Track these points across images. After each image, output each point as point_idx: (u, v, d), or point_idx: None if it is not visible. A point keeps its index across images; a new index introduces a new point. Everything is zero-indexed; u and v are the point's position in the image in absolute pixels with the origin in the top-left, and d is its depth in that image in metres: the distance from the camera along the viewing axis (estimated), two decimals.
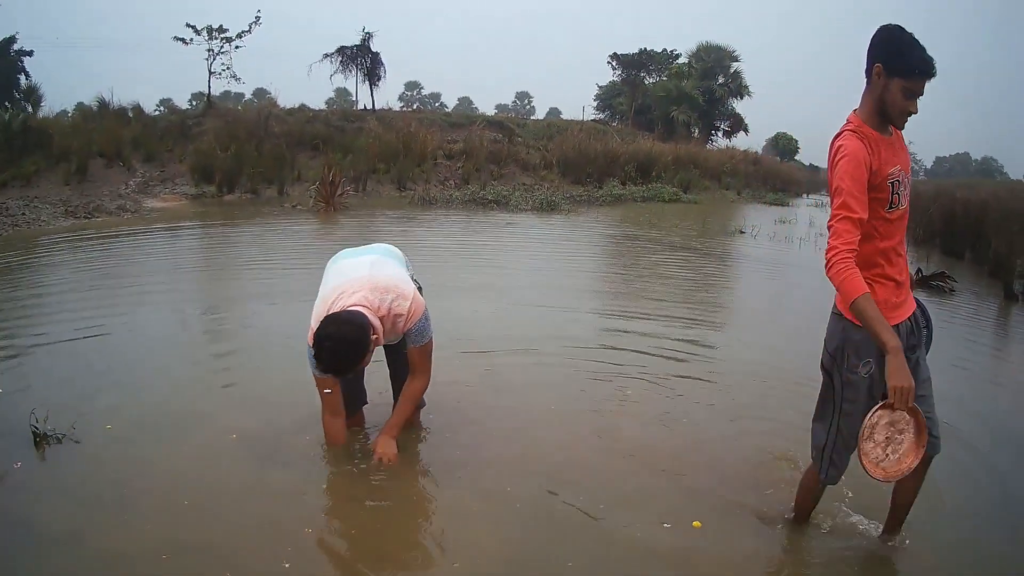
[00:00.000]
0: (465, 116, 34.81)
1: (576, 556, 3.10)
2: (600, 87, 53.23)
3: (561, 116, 50.20)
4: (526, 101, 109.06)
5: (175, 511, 3.25)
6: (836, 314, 2.93)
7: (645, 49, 47.16)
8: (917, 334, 2.93)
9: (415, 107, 59.31)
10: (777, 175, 37.07)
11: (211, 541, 3.04)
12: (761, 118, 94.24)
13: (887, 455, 2.80)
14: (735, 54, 46.94)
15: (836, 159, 2.75)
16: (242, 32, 26.52)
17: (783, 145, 62.75)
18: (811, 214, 22.52)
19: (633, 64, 46.80)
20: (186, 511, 3.26)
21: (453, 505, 3.48)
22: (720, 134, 48.32)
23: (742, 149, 40.24)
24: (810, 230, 17.43)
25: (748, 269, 12.22)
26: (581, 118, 41.18)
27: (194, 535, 3.07)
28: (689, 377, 5.45)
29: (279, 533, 3.13)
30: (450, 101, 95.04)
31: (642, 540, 3.25)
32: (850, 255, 2.68)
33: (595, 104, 52.84)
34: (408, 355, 3.67)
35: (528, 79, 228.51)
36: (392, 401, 3.99)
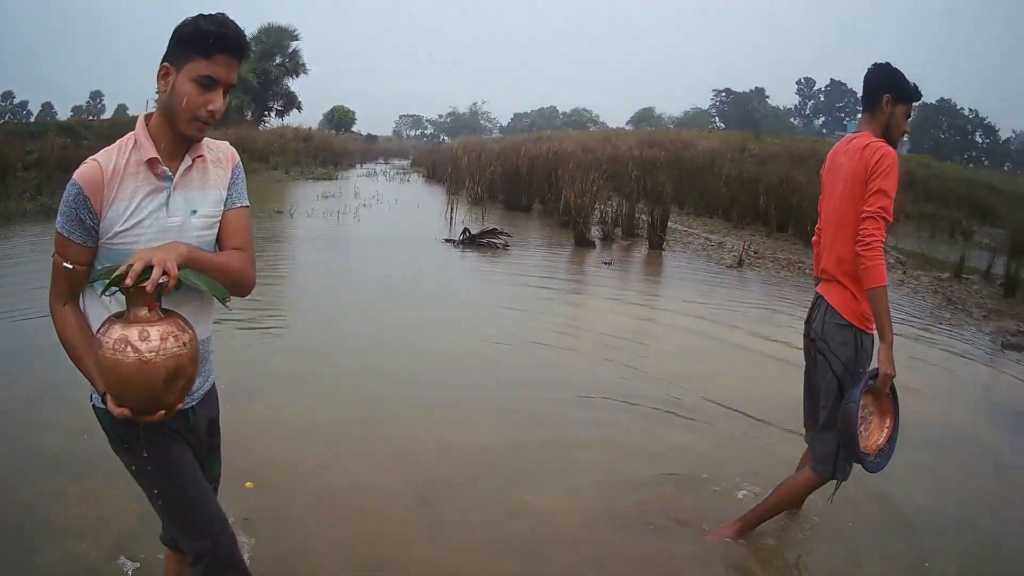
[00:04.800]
0: (41, 123, 30.99)
1: None
2: None
3: (128, 113, 46.82)
4: (99, 100, 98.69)
5: None
6: (845, 325, 3.25)
7: None
8: None
9: (7, 118, 51.73)
10: (330, 149, 37.38)
11: None
12: (319, 94, 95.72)
13: (861, 433, 3.20)
14: (295, 33, 47.07)
15: (887, 165, 3.10)
16: None
17: (340, 118, 63.99)
18: (358, 185, 23.02)
19: None
20: None
21: None
22: (273, 114, 48.22)
23: (294, 127, 40.47)
24: (354, 200, 17.59)
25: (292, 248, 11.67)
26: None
27: None
28: None
29: None
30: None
31: None
32: (882, 247, 3.09)
33: (156, 97, 49.91)
34: (231, 223, 2.16)
35: (98, 76, 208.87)
36: None
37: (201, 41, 1.91)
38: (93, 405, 2.10)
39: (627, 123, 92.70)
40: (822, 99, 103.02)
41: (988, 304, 10.85)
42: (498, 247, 11.46)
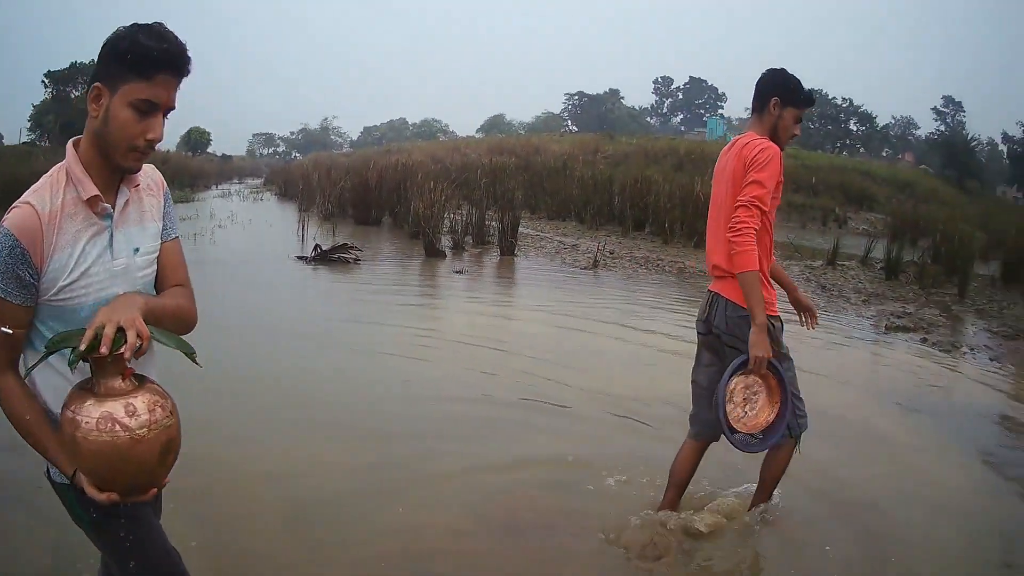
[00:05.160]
0: None
1: None
2: (35, 106, 48.35)
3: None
4: None
5: None
6: (749, 314, 3.26)
7: (75, 63, 44.51)
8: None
9: None
10: (187, 171, 36.91)
11: None
12: (178, 115, 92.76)
13: (746, 412, 3.30)
14: None
15: (764, 159, 3.18)
16: None
17: (196, 139, 62.73)
18: (213, 206, 22.61)
19: (65, 80, 44.32)
20: None
21: None
22: None
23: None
24: (210, 222, 17.22)
25: None
26: (19, 140, 37.79)
27: None
28: None
29: None
30: None
31: None
32: (755, 234, 3.14)
33: (28, 125, 47.73)
34: (168, 257, 1.94)
35: None
36: None
37: (140, 59, 1.63)
38: (52, 480, 1.84)
39: (477, 131, 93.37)
40: (680, 97, 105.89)
41: (868, 288, 11.21)
42: (349, 262, 11.26)
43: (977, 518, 4.06)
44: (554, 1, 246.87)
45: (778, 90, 3.37)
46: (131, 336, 1.57)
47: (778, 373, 3.32)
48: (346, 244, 11.91)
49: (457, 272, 10.71)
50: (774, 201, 3.29)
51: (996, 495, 4.41)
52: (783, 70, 3.43)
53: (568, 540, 3.49)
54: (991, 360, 8.00)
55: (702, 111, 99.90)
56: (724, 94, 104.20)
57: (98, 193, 1.71)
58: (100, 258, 1.73)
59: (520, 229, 13.30)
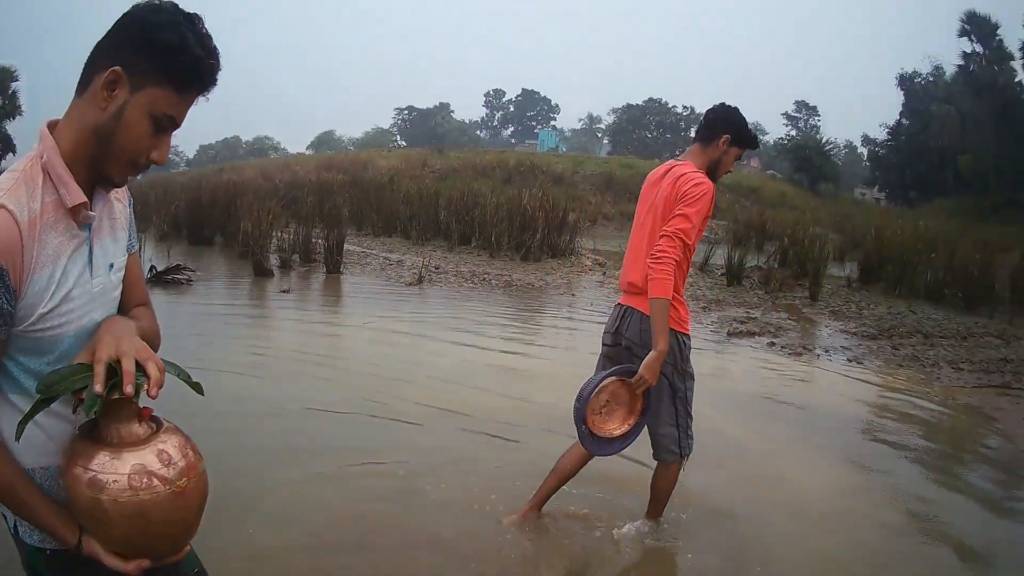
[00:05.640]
0: None
1: None
2: None
3: None
4: None
5: None
6: (669, 331, 3.36)
7: None
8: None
9: None
10: None
11: None
12: (31, 135, 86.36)
13: (600, 413, 3.41)
14: (15, 73, 43.98)
15: (697, 193, 3.29)
16: None
17: None
18: None
19: None
20: None
21: None
22: None
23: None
24: None
25: None
26: None
27: None
28: None
29: None
30: None
31: None
32: (675, 264, 3.25)
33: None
34: (132, 272, 1.67)
35: None
36: None
37: (185, 69, 1.35)
38: (21, 541, 1.49)
39: (308, 148, 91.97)
40: (512, 109, 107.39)
41: (708, 295, 11.62)
42: (182, 283, 11.10)
43: (834, 519, 4.23)
44: (384, 16, 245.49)
45: (732, 129, 3.49)
46: (152, 370, 1.35)
47: (647, 401, 3.47)
48: (179, 265, 11.70)
49: (284, 291, 10.75)
50: (699, 234, 3.40)
51: (855, 495, 4.60)
52: (738, 110, 3.54)
53: (419, 553, 3.52)
54: (849, 361, 8.31)
55: (534, 123, 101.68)
56: (557, 105, 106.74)
57: (86, 200, 1.40)
58: (81, 278, 1.43)
59: (347, 246, 13.37)
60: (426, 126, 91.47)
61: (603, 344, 3.71)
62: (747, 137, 3.55)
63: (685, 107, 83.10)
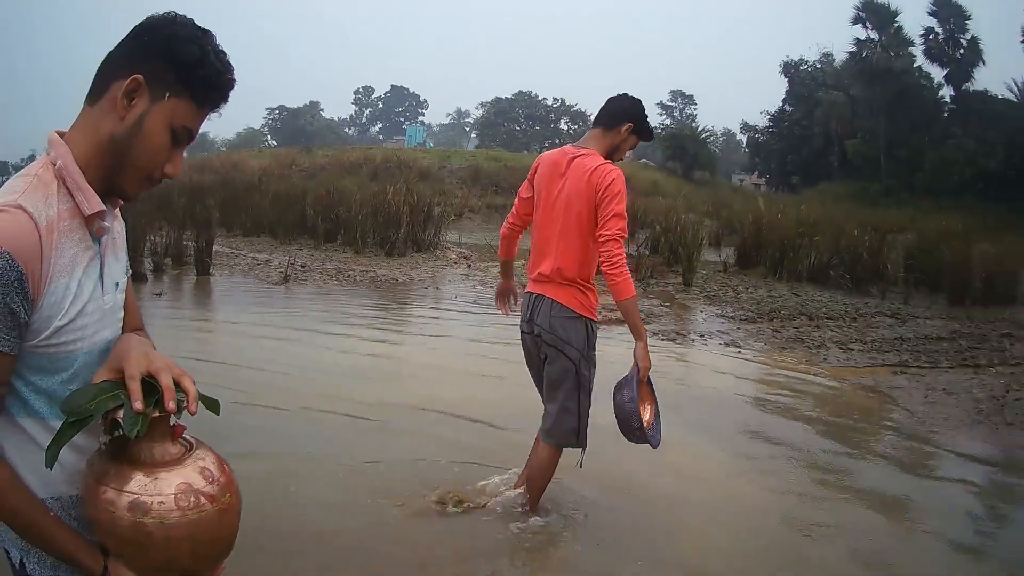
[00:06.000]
0: None
1: None
2: None
3: None
4: None
5: None
6: (574, 316, 3.58)
7: None
8: None
9: None
10: None
11: None
12: None
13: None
14: None
15: (618, 189, 3.40)
16: None
17: None
18: None
19: None
20: None
21: None
22: None
23: None
24: None
25: None
26: None
27: None
28: None
29: None
30: None
31: None
32: (625, 262, 3.41)
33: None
34: (129, 295, 1.61)
35: None
36: None
37: (207, 83, 1.33)
38: (21, 569, 1.38)
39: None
40: (381, 106, 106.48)
41: None
42: None
43: (717, 507, 4.28)
44: (254, 14, 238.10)
45: (635, 119, 3.62)
46: (189, 385, 1.30)
47: (649, 384, 3.63)
48: None
49: (157, 295, 10.95)
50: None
51: (741, 479, 4.69)
52: (641, 101, 3.68)
53: (307, 551, 3.50)
54: (726, 345, 8.35)
55: (402, 119, 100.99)
56: (426, 101, 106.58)
57: (104, 208, 1.33)
58: (94, 292, 1.36)
59: (216, 248, 13.55)
60: (296, 125, 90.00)
61: (521, 332, 3.77)
62: (647, 128, 3.70)
63: (555, 99, 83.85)
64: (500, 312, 4.11)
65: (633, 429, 3.50)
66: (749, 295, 11.56)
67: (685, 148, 44.96)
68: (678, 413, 5.47)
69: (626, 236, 3.41)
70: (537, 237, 3.68)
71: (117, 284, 1.45)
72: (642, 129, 3.66)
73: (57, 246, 1.26)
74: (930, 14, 41.71)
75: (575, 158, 3.55)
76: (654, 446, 3.59)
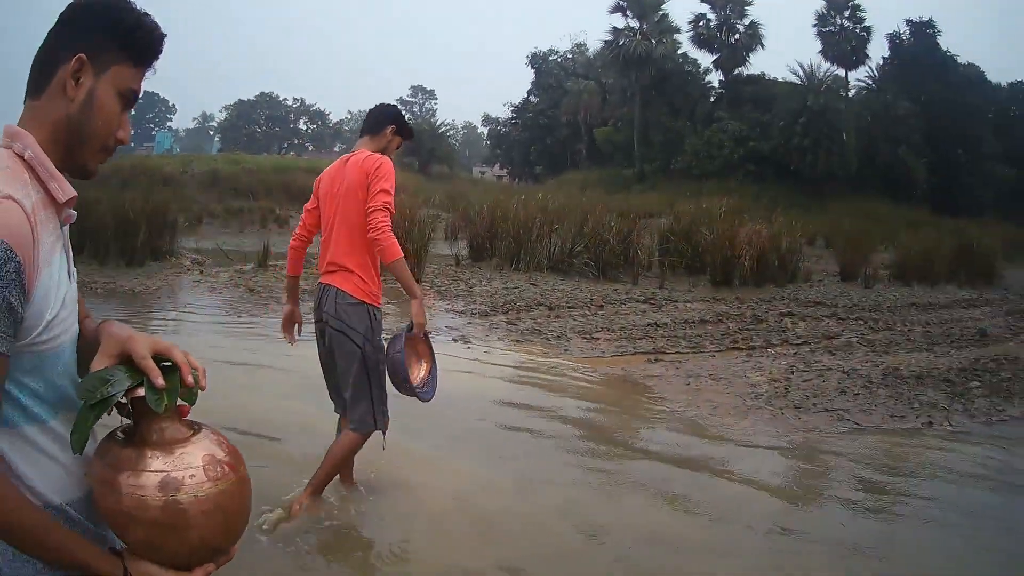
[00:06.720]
0: None
1: None
2: None
3: None
4: None
5: None
6: (357, 303, 3.62)
7: None
8: None
9: None
10: None
11: None
12: None
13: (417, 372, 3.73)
14: None
15: (386, 170, 3.58)
16: None
17: None
18: None
19: None
20: None
21: None
22: None
23: None
24: None
25: None
26: None
27: None
28: None
29: None
30: None
31: None
32: (391, 229, 3.53)
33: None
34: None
35: None
36: None
37: (143, 42, 1.31)
38: None
39: None
40: (133, 113, 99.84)
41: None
42: None
43: (470, 524, 3.86)
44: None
45: (396, 122, 3.84)
46: (196, 363, 1.25)
47: (428, 340, 3.79)
48: None
49: None
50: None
51: (487, 493, 4.24)
52: (398, 107, 3.99)
53: None
54: (454, 340, 7.71)
55: (152, 125, 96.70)
56: (174, 106, 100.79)
57: (76, 194, 1.26)
58: (70, 283, 1.28)
59: None
60: None
61: (315, 321, 3.80)
62: (407, 127, 3.93)
63: (295, 99, 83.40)
64: (287, 342, 3.98)
65: (401, 381, 3.60)
66: (483, 288, 11.07)
67: (422, 143, 43.61)
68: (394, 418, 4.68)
69: (393, 211, 3.54)
70: (324, 235, 3.81)
71: (73, 273, 1.33)
72: (403, 128, 3.89)
73: (40, 237, 1.17)
74: (703, 1, 41.41)
75: (349, 159, 3.75)
76: (424, 400, 3.74)
